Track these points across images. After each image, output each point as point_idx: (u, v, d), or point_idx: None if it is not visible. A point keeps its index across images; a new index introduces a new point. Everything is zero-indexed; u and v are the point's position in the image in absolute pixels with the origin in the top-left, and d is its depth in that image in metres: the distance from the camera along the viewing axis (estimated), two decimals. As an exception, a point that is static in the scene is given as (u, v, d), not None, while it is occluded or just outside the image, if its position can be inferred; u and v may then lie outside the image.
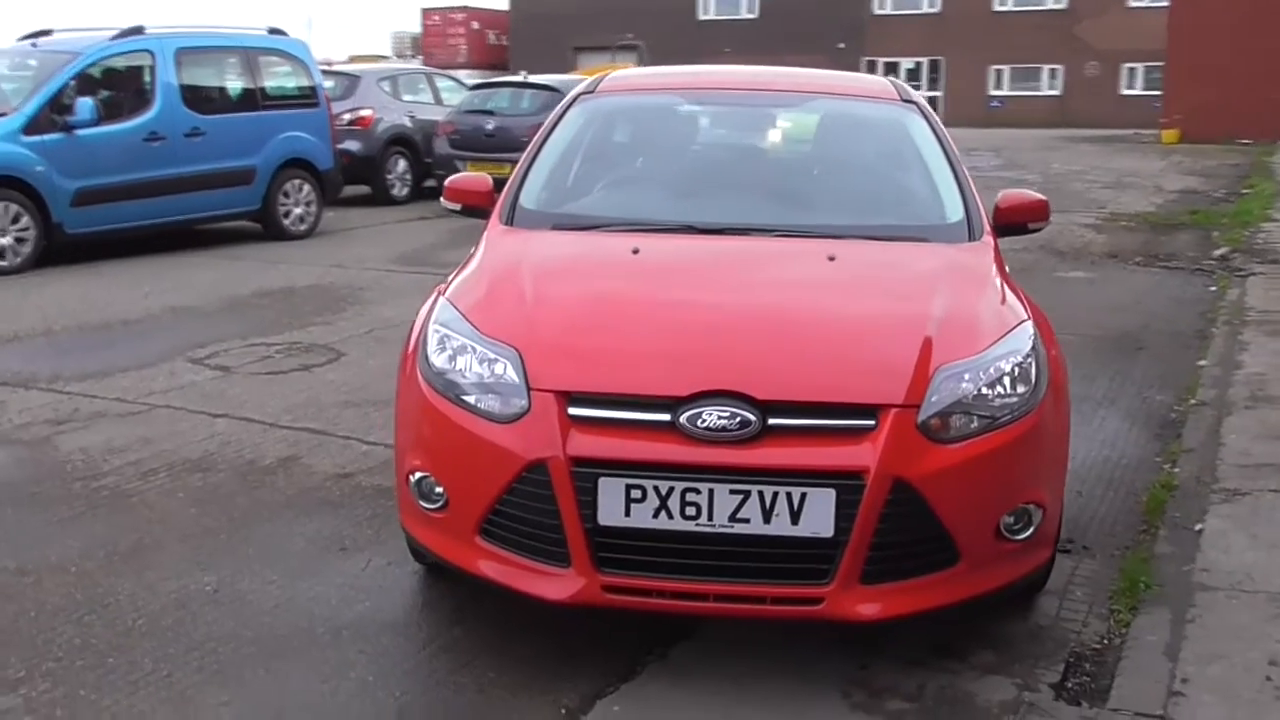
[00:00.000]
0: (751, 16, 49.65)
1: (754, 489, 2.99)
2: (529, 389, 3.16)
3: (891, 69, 49.76)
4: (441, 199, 4.61)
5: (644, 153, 4.75)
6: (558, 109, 4.74)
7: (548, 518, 3.09)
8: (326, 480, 4.81)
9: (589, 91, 4.80)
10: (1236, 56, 29.69)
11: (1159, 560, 3.98)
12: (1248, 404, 5.80)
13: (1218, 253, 11.15)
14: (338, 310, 8.25)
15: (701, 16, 49.57)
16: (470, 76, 17.66)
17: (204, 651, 3.42)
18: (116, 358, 6.79)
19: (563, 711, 3.12)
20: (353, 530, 4.30)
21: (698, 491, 3.00)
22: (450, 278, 3.87)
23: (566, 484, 3.04)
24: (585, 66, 34.48)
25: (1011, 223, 4.20)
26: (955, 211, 4.07)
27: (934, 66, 48.79)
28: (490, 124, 14.28)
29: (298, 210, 11.95)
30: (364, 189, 14.74)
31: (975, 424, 3.13)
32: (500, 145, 14.00)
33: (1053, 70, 48.30)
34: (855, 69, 49.17)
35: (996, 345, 3.30)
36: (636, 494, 3.02)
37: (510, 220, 4.12)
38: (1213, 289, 9.43)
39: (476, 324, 3.41)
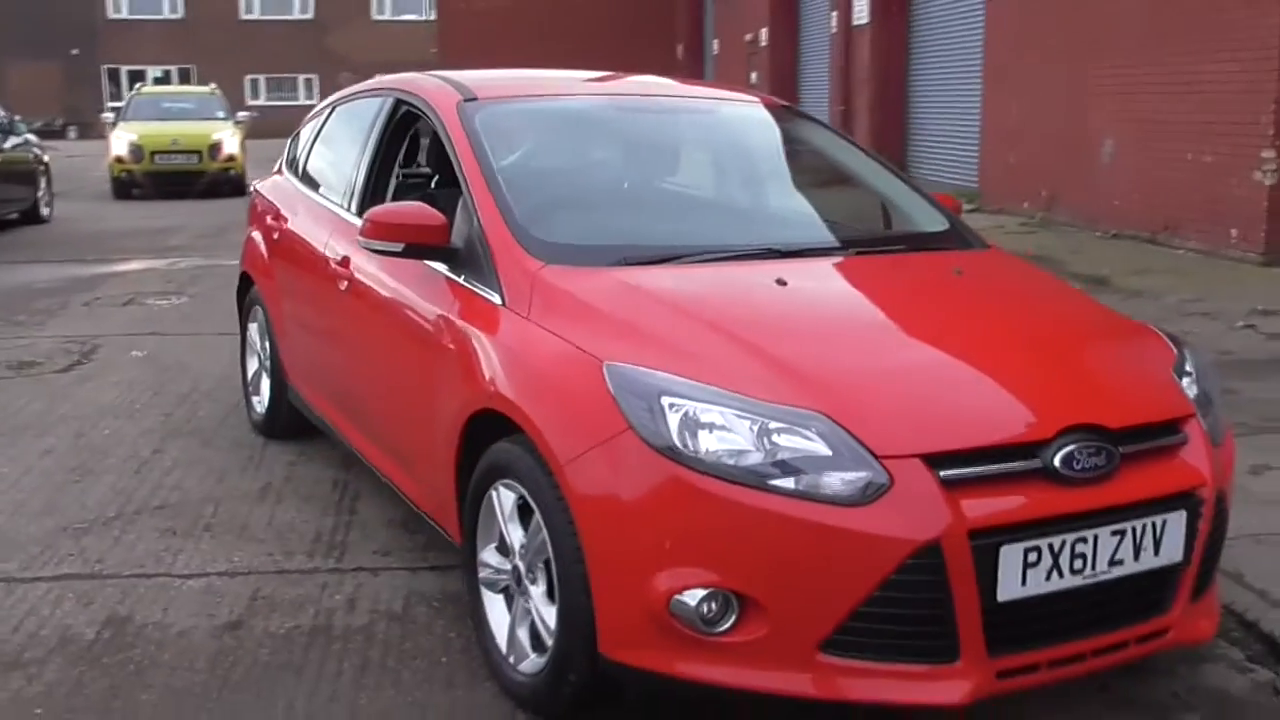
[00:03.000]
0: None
1: (1131, 525, 2.72)
2: (875, 457, 2.57)
3: (138, 76, 46.77)
4: (365, 237, 3.54)
5: (614, 169, 4.03)
6: (449, 121, 3.84)
7: (932, 608, 2.55)
8: (213, 638, 3.45)
9: (469, 99, 3.96)
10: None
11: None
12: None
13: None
14: None
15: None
16: None
17: None
18: None
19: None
20: (375, 700, 3.15)
21: (1085, 541, 2.66)
22: (560, 337, 2.98)
23: (965, 563, 2.53)
24: None
25: None
26: (940, 217, 4.01)
27: (184, 75, 46.55)
28: None
29: None
30: None
31: (1208, 423, 3.12)
32: None
33: (308, 80, 48.65)
34: (95, 77, 45.92)
35: (1167, 342, 3.33)
36: (1033, 557, 2.60)
37: (548, 258, 3.27)
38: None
39: (731, 388, 2.68)
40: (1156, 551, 2.76)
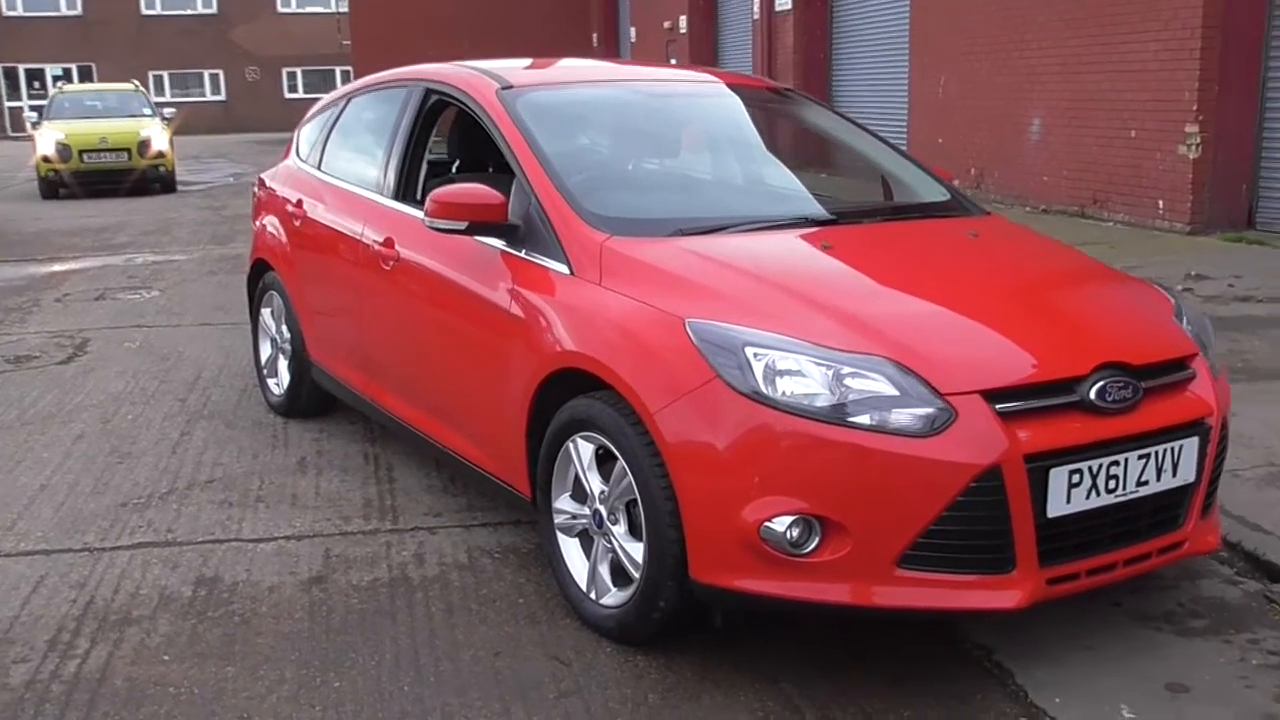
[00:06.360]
0: None
1: (1153, 450, 3.11)
2: (940, 395, 2.93)
3: (36, 75, 45.72)
4: (430, 217, 3.81)
5: (648, 149, 4.35)
6: (492, 108, 4.13)
7: (993, 524, 2.91)
8: (302, 592, 3.72)
9: (506, 87, 4.25)
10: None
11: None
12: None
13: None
14: None
15: None
16: None
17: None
18: None
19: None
20: (470, 635, 3.44)
21: (1118, 463, 3.05)
22: (635, 298, 3.29)
23: (1022, 483, 2.90)
24: None
25: None
26: (940, 188, 4.39)
27: (85, 73, 45.54)
28: None
29: None
30: None
31: (1208, 359, 3.53)
32: None
33: (214, 75, 47.93)
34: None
35: (1164, 293, 3.74)
36: (1076, 478, 2.98)
37: (611, 230, 3.57)
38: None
39: (804, 338, 3.02)
40: (1174, 473, 3.16)
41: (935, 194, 4.33)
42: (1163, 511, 3.21)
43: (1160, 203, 10.40)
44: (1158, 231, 10.35)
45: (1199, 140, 9.89)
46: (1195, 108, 9.84)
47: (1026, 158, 12.52)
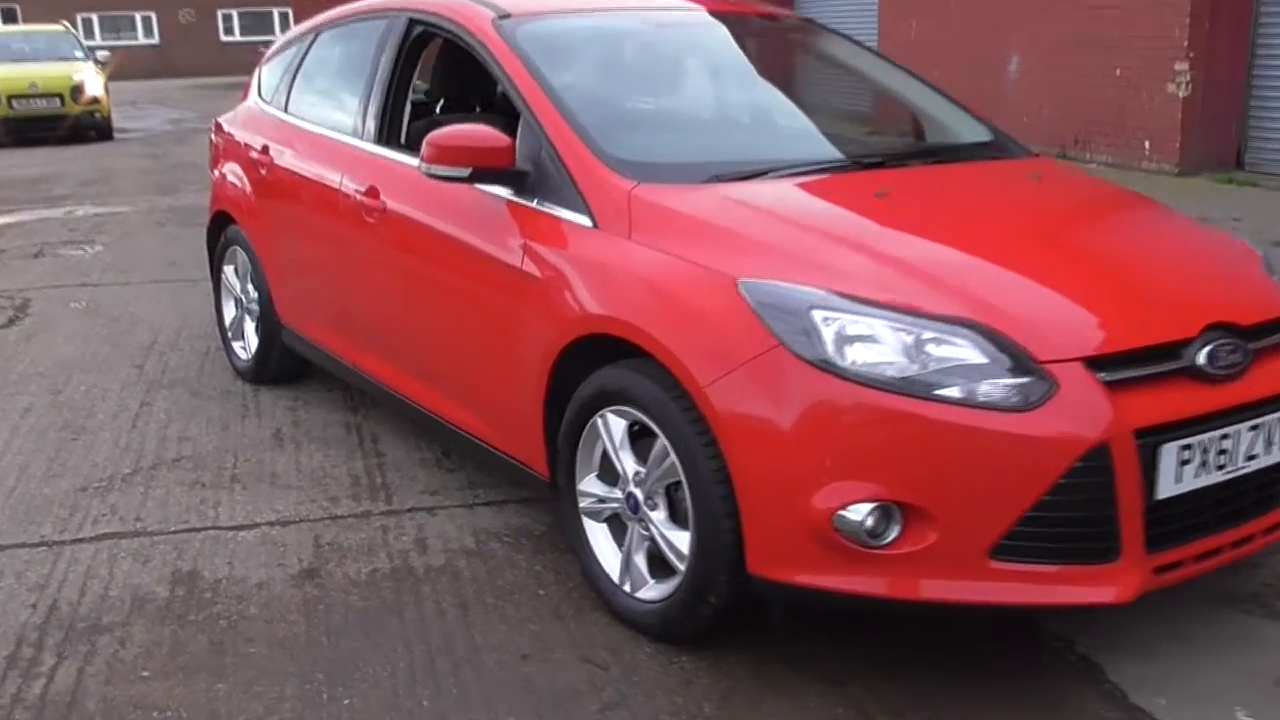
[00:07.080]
0: None
1: (1264, 420, 2.78)
2: (1037, 363, 2.56)
3: (-45, 20, 43.89)
4: (427, 163, 3.37)
5: (668, 85, 3.91)
6: (490, 40, 3.68)
7: (1098, 509, 2.56)
8: (294, 588, 3.30)
9: (504, 16, 3.80)
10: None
11: None
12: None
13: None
14: None
15: None
16: None
17: None
18: None
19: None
20: (490, 635, 3.05)
21: (1228, 436, 2.71)
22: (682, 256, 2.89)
23: (1132, 462, 2.54)
24: None
25: None
26: (982, 127, 4.02)
27: (9, 15, 43.76)
28: None
29: None
30: None
31: None
32: None
33: (146, 17, 46.27)
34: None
35: (1248, 244, 3.40)
36: (1186, 455, 2.63)
37: (639, 177, 3.15)
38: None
39: (877, 300, 2.63)
40: (1285, 444, 2.83)
41: (978, 133, 3.96)
42: (1266, 488, 2.88)
43: (1147, 143, 10.12)
44: (1144, 173, 10.08)
45: (1189, 78, 9.59)
46: (1186, 44, 9.53)
47: (1005, 98, 12.17)
